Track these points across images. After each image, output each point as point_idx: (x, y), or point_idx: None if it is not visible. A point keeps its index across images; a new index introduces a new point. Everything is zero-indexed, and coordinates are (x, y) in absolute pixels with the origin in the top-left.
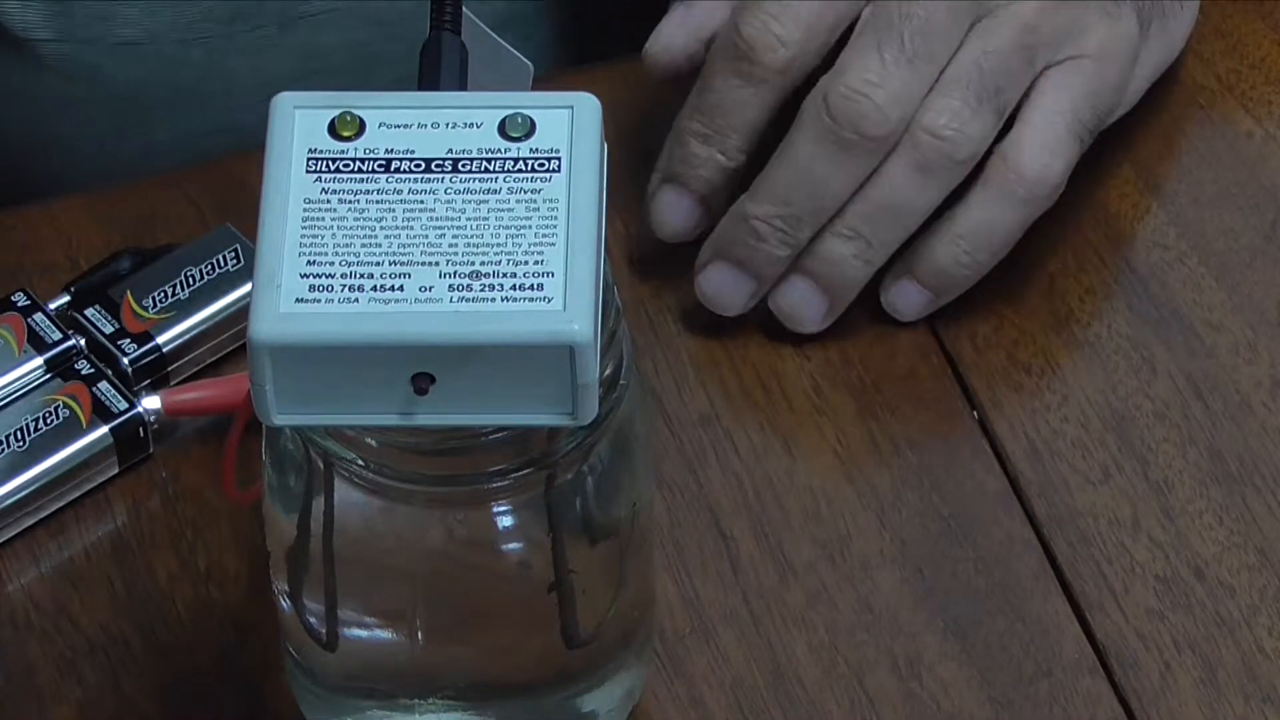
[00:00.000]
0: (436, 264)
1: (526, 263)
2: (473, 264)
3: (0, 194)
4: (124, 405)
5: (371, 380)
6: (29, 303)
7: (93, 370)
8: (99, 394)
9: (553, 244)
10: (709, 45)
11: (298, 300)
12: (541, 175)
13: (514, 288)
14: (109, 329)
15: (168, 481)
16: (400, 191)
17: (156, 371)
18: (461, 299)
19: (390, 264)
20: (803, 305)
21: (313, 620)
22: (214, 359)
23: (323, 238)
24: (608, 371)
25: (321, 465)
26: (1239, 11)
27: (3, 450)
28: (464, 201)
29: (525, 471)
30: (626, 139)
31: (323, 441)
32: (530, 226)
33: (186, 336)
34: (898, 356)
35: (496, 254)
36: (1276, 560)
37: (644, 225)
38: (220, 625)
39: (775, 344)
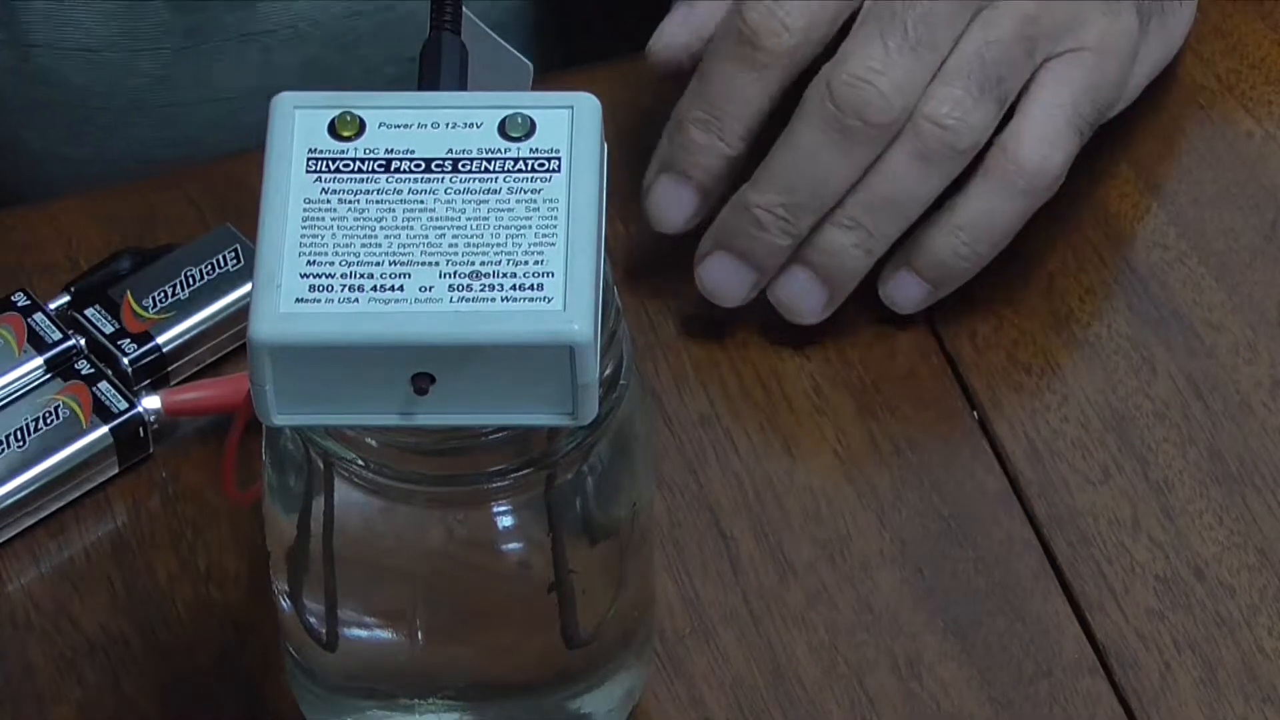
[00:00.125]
0: (436, 264)
1: (526, 263)
2: (473, 264)
3: None
4: (124, 405)
5: (371, 380)
6: (29, 303)
7: (93, 370)
8: (99, 394)
9: (553, 244)
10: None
11: (298, 300)
12: (541, 175)
13: (514, 288)
14: (109, 329)
15: (168, 481)
16: (400, 191)
17: (156, 371)
18: (461, 299)
19: (390, 264)
20: (802, 296)
21: (313, 620)
22: (214, 359)
23: (323, 238)
24: (608, 371)
25: (321, 465)
26: (1239, 11)
27: (3, 450)
28: (464, 201)
29: (525, 471)
30: (626, 139)
31: (323, 441)
32: (530, 226)
33: (186, 336)
34: (898, 356)
35: (496, 254)
36: (1276, 560)
37: (644, 225)
38: (220, 625)
39: (775, 344)
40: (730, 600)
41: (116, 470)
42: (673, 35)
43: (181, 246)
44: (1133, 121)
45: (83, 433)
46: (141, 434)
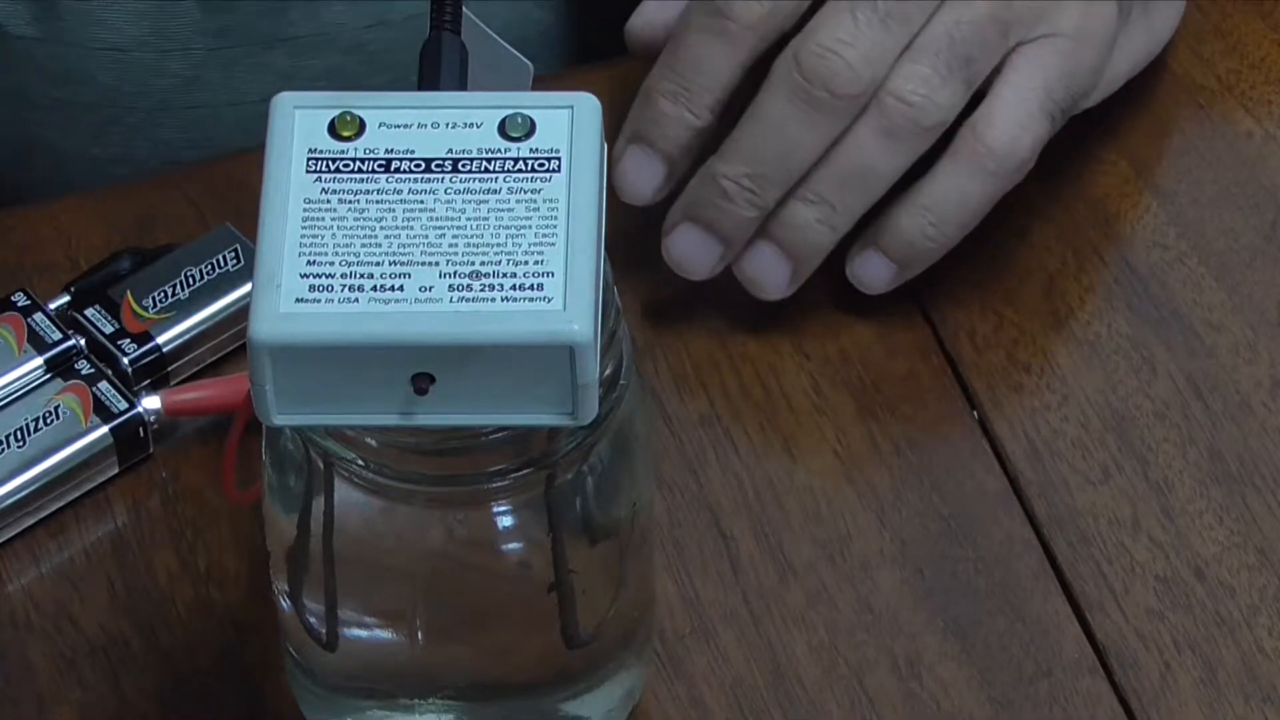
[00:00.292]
0: (436, 264)
1: (526, 263)
2: (473, 264)
3: None
4: (124, 405)
5: (371, 380)
6: (29, 303)
7: (93, 370)
8: (99, 394)
9: (553, 244)
10: None
11: (298, 300)
12: (541, 175)
13: (514, 288)
14: (109, 329)
15: (168, 481)
16: (400, 191)
17: (156, 371)
18: (461, 299)
19: (390, 264)
20: (767, 271)
21: (313, 620)
22: (214, 359)
23: (323, 238)
24: (608, 371)
25: (321, 465)
26: (1239, 11)
27: (3, 450)
28: (464, 201)
29: (525, 471)
30: None
31: (323, 441)
32: (530, 226)
33: (186, 336)
34: (898, 356)
35: (496, 254)
36: (1276, 560)
37: (644, 225)
38: (220, 625)
39: (775, 344)
40: (730, 600)
41: (116, 470)
42: (651, 14)
43: (181, 246)
44: (1133, 122)
45: (83, 433)
46: (141, 434)
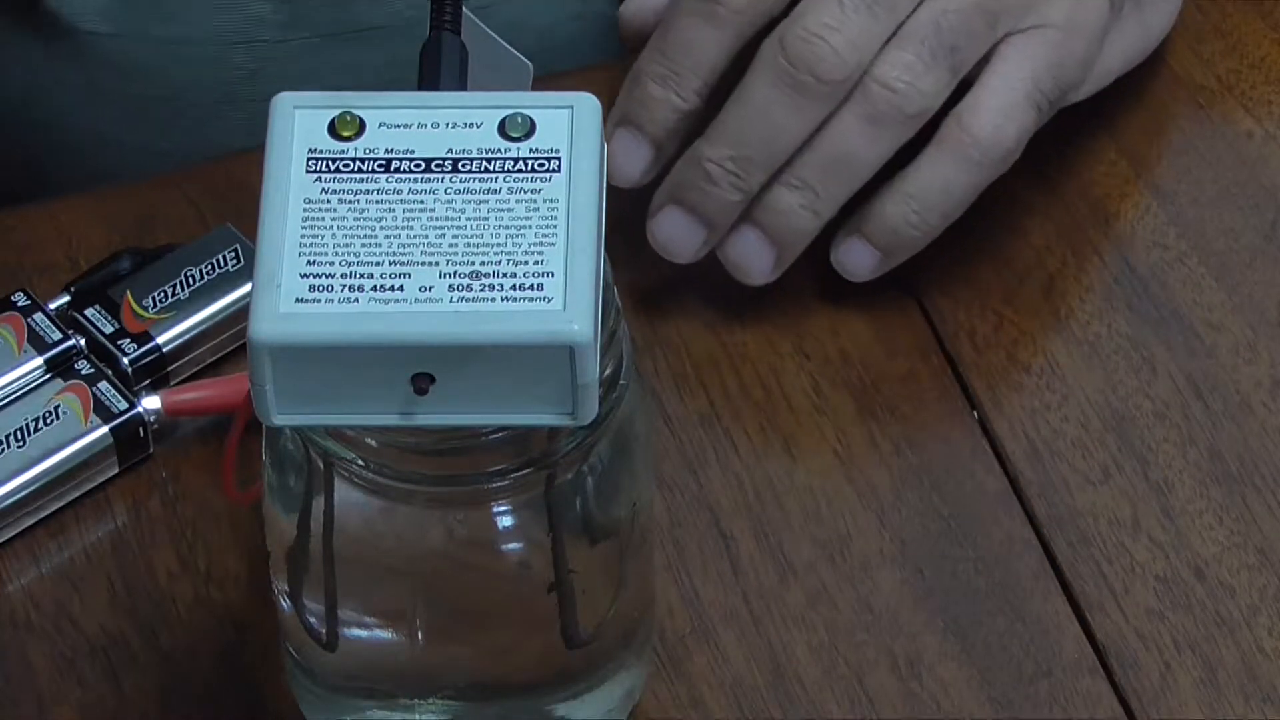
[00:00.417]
0: (436, 264)
1: (526, 263)
2: (473, 264)
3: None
4: (124, 405)
5: (371, 380)
6: (29, 303)
7: (93, 370)
8: (99, 394)
9: (553, 244)
10: None
11: (298, 300)
12: (541, 175)
13: (514, 288)
14: (109, 329)
15: (168, 481)
16: (400, 191)
17: (156, 371)
18: (461, 299)
19: (390, 264)
20: (751, 256)
21: (313, 620)
22: (214, 359)
23: (323, 238)
24: (608, 371)
25: (321, 465)
26: (1239, 11)
27: (3, 450)
28: (464, 201)
29: (525, 471)
30: None
31: (323, 441)
32: (530, 226)
33: (186, 336)
34: (898, 356)
35: (496, 254)
36: (1276, 560)
37: (644, 225)
38: (220, 625)
39: (775, 344)
40: (730, 600)
41: (116, 470)
42: (642, 1)
43: (181, 246)
44: (1133, 121)
45: (83, 433)
46: (141, 434)
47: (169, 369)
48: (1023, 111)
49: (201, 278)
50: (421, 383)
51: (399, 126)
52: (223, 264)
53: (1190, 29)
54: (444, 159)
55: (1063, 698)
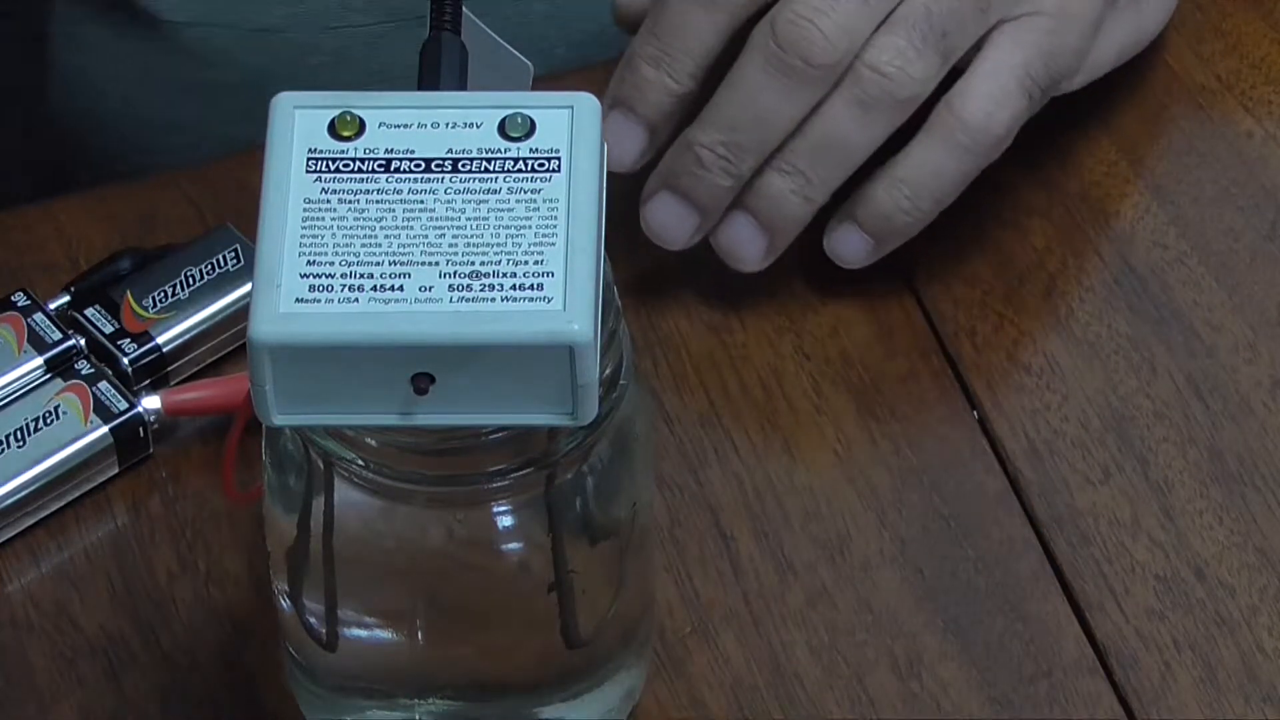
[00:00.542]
0: (436, 264)
1: (526, 263)
2: (473, 264)
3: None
4: (124, 405)
5: (371, 380)
6: (29, 303)
7: (93, 370)
8: (99, 394)
9: (553, 244)
10: None
11: (298, 300)
12: (541, 175)
13: (514, 288)
14: (109, 329)
15: (168, 481)
16: (400, 191)
17: (156, 371)
18: (461, 299)
19: (390, 264)
20: (743, 242)
21: (313, 620)
22: (214, 359)
23: (323, 238)
24: (608, 371)
25: (321, 465)
26: (1239, 11)
27: (3, 450)
28: (464, 201)
29: (525, 471)
30: None
31: (323, 441)
32: (530, 226)
33: (186, 336)
34: (898, 356)
35: (496, 254)
36: (1276, 560)
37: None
38: (220, 625)
39: (775, 344)
40: (730, 600)
41: (116, 470)
42: None
43: (181, 246)
44: (1133, 122)
45: (83, 433)
46: (141, 434)
47: (169, 369)
48: (1014, 98)
49: (201, 278)
50: (421, 383)
51: (399, 126)
52: (223, 264)
53: (1190, 28)
54: (444, 159)
55: (1063, 698)
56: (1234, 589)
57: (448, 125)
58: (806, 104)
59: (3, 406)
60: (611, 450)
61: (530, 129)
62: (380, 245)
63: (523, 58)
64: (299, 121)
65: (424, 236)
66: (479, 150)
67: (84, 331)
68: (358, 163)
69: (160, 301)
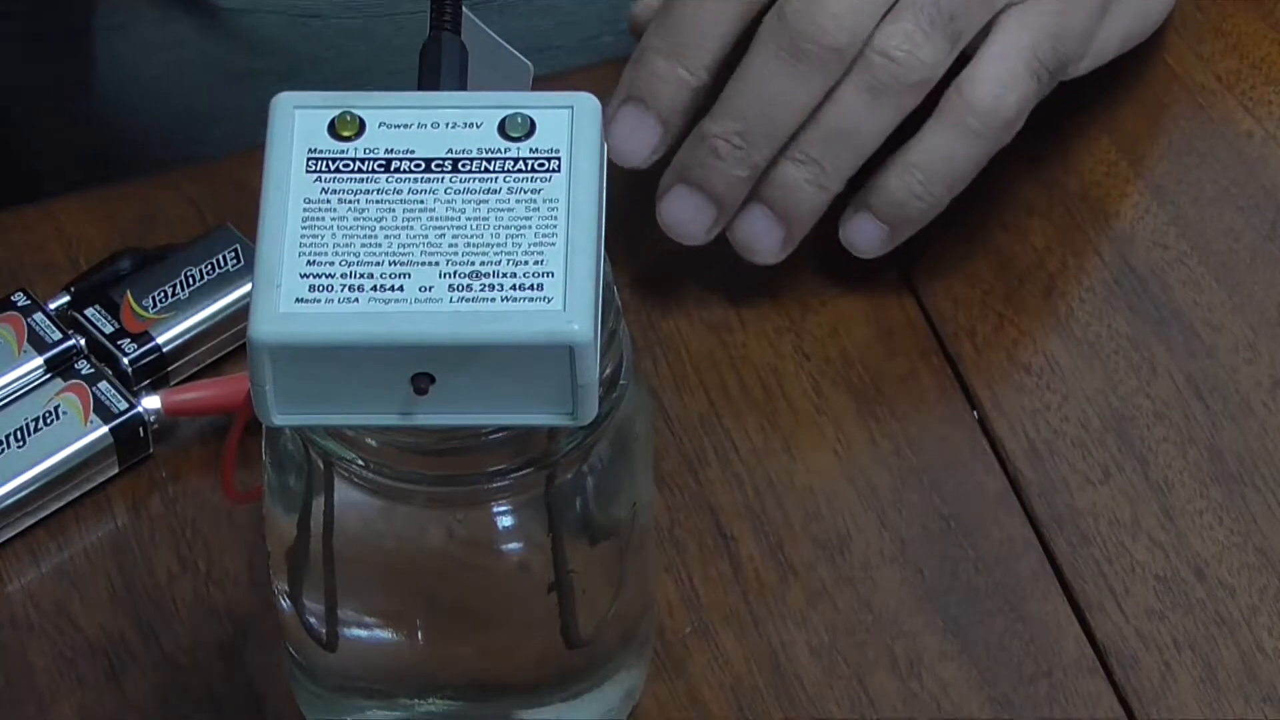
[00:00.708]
0: (436, 264)
1: (526, 263)
2: (473, 264)
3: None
4: (124, 405)
5: (371, 380)
6: (29, 303)
7: (93, 370)
8: (99, 394)
9: (553, 244)
10: None
11: (298, 300)
12: (541, 175)
13: (514, 288)
14: (109, 329)
15: (168, 481)
16: (400, 191)
17: (156, 371)
18: (461, 299)
19: (390, 264)
20: (760, 234)
21: (313, 620)
22: (214, 359)
23: (323, 238)
24: (608, 371)
25: (321, 465)
26: (1239, 11)
27: (3, 450)
28: (464, 201)
29: (525, 471)
30: None
31: (323, 441)
32: (530, 226)
33: (186, 336)
34: (898, 356)
35: (496, 254)
36: (1276, 560)
37: (644, 225)
38: (220, 625)
39: (775, 344)
40: (730, 600)
41: (116, 470)
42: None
43: (181, 246)
44: (1133, 121)
45: (83, 433)
46: (141, 434)
47: (169, 369)
48: (1023, 81)
49: (201, 278)
50: (421, 383)
51: (399, 126)
52: (222, 264)
53: (1190, 28)
54: (444, 159)
55: (1063, 698)
56: (1234, 589)
57: (448, 125)
58: (818, 91)
59: (3, 406)
60: (611, 450)
61: (530, 129)
62: (380, 245)
63: (523, 58)
64: (299, 121)
65: (424, 236)
66: (479, 150)
67: (84, 331)
68: (358, 163)
69: (160, 301)
